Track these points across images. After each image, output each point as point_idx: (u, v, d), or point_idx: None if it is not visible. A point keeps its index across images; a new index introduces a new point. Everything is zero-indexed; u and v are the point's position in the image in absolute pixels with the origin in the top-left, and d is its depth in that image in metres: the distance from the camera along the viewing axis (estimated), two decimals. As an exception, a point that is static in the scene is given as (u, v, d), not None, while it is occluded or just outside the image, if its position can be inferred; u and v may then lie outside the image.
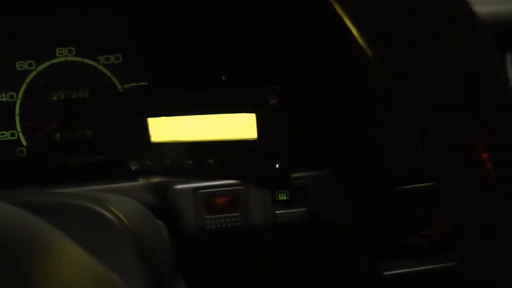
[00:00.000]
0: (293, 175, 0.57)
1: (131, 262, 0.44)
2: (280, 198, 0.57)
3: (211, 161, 0.55)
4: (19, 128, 0.68)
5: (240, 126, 0.54)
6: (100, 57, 0.67)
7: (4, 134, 0.68)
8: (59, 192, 0.54)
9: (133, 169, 0.58)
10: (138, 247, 0.45)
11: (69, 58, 0.67)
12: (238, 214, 0.57)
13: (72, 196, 0.48)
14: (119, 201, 0.49)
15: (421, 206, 0.61)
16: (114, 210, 0.46)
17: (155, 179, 0.58)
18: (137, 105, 0.56)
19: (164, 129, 0.56)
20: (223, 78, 0.64)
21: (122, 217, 0.46)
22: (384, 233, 0.62)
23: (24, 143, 0.68)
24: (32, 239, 0.27)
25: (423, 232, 0.62)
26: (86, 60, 0.67)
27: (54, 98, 0.67)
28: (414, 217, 0.61)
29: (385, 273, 0.64)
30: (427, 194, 0.57)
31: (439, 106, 0.24)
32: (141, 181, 0.58)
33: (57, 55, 0.66)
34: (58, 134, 0.68)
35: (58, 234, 0.29)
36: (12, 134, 0.68)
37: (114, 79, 0.67)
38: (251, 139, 0.54)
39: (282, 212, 0.57)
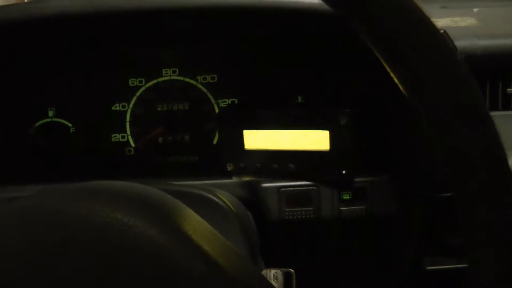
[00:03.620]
0: (356, 180, 0.68)
1: (236, 238, 0.58)
2: (344, 197, 0.68)
3: (292, 166, 0.67)
4: (128, 132, 0.82)
5: (316, 139, 0.66)
6: (198, 77, 0.80)
7: (116, 136, 0.82)
8: (179, 183, 0.67)
9: (229, 169, 0.70)
10: (241, 228, 0.59)
11: (173, 77, 0.80)
12: (311, 208, 0.68)
13: (191, 187, 0.62)
14: (223, 193, 0.63)
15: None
16: (224, 199, 0.60)
17: (247, 178, 0.70)
18: (237, 119, 0.69)
19: (256, 139, 0.68)
20: (300, 100, 0.77)
21: (230, 205, 0.59)
22: (429, 233, 0.71)
23: (132, 144, 0.82)
24: (179, 209, 0.37)
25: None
26: (187, 79, 0.80)
27: (159, 109, 0.81)
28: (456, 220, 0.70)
29: (428, 267, 0.72)
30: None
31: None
32: (235, 179, 0.70)
33: (163, 74, 0.80)
34: (160, 138, 0.82)
35: (192, 210, 0.41)
36: (123, 137, 0.82)
37: (209, 95, 0.80)
38: (324, 150, 0.66)
39: (346, 209, 0.68)
